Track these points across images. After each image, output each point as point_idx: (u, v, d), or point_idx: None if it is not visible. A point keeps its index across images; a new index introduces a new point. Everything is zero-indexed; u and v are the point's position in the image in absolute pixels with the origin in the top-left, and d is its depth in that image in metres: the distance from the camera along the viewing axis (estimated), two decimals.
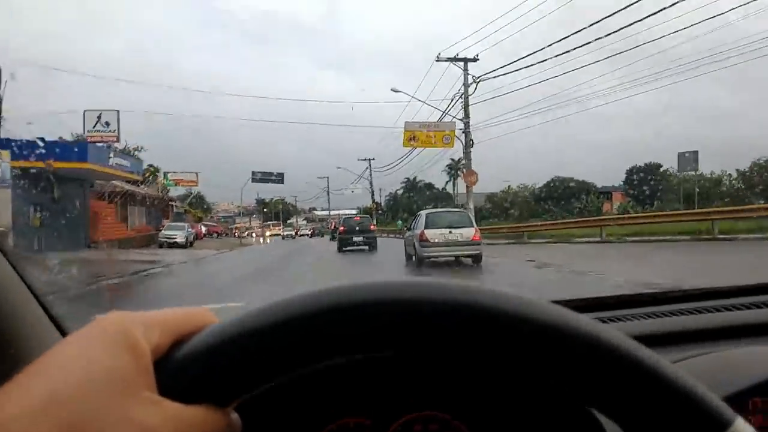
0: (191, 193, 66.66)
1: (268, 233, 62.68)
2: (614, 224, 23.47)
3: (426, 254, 13.97)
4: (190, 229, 31.73)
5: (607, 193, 49.04)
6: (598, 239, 22.03)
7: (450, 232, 13.97)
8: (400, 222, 50.69)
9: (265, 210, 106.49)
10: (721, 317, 0.95)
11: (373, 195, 56.96)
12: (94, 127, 26.75)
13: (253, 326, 0.35)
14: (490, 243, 21.08)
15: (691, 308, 0.99)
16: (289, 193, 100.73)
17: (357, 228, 22.84)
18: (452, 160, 73.30)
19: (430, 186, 78.62)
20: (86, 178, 23.06)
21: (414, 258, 14.72)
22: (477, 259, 13.88)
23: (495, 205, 54.69)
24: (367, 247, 21.82)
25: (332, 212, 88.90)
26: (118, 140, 28.12)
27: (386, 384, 0.59)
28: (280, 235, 63.34)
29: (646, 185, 43.76)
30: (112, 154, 25.32)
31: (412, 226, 15.99)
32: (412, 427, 0.60)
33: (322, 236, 54.12)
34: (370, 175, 55.87)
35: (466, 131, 26.19)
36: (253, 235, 42.30)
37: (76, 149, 22.36)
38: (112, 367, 0.32)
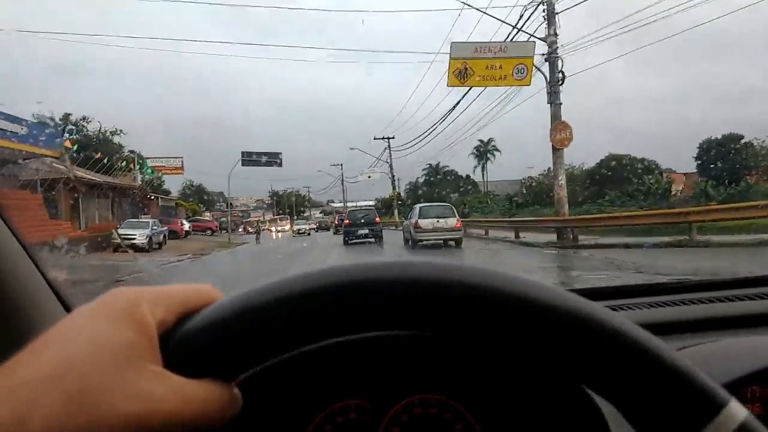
0: (195, 185, 59.44)
1: (274, 229, 56.13)
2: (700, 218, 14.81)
3: (419, 238, 18.08)
4: (157, 227, 24.73)
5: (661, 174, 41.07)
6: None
7: (438, 221, 18.11)
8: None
9: (278, 203, 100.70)
10: (727, 307, 0.97)
11: (394, 180, 49.47)
12: None
13: (257, 302, 0.36)
14: (598, 245, 15.49)
15: (699, 298, 1.01)
16: (303, 184, 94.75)
17: (362, 220, 23.08)
18: (480, 141, 66.19)
19: (452, 173, 71.20)
20: None
21: (410, 242, 18.90)
22: (458, 242, 17.97)
23: (533, 192, 46.93)
24: (373, 239, 21.94)
25: (348, 204, 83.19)
26: None
27: (387, 366, 0.59)
28: (286, 231, 55.67)
29: (724, 161, 35.66)
30: None
31: (408, 216, 20.50)
32: (412, 409, 0.61)
33: (328, 230, 48.60)
34: (390, 157, 48.21)
35: (551, 57, 16.50)
36: (256, 231, 34.96)
37: None
38: (119, 340, 0.33)
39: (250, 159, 36.30)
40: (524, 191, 48.35)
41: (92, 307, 0.35)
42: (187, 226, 33.61)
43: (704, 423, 0.34)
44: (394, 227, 40.85)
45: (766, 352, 0.72)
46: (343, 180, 69.02)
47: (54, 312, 0.72)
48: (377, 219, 23.89)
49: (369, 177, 54.13)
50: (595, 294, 1.09)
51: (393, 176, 49.36)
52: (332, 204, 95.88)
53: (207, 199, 61.77)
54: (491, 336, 0.36)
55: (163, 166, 37.82)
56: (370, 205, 38.09)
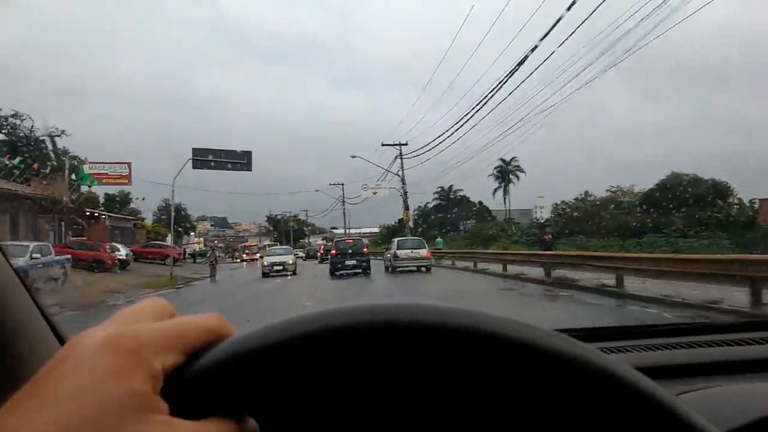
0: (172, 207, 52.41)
1: (245, 257, 47.72)
2: None
3: (398, 265, 22.34)
4: (47, 255, 16.58)
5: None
6: None
7: (412, 251, 22.68)
8: (440, 241, 34.87)
9: (275, 228, 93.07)
10: (725, 352, 0.96)
11: (405, 196, 40.38)
12: None
13: (272, 340, 0.35)
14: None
15: (694, 342, 1.00)
16: (304, 207, 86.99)
17: (350, 251, 22.48)
18: (502, 161, 58.43)
19: (465, 200, 63.40)
20: None
21: (390, 269, 23.02)
22: (428, 269, 22.36)
23: (568, 218, 38.86)
24: (360, 271, 21.52)
25: (351, 231, 75.71)
26: None
27: (403, 407, 0.54)
28: (254, 261, 42.36)
29: None
30: None
31: (388, 249, 25.12)
32: None
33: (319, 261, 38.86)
34: (402, 168, 39.84)
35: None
36: (210, 263, 25.18)
37: None
38: (124, 389, 0.31)
39: (204, 160, 26.17)
40: (559, 217, 40.26)
41: (96, 348, 0.32)
42: (123, 253, 25.50)
43: None
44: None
45: (765, 398, 0.71)
46: (344, 201, 61.03)
47: (48, 343, 0.73)
48: (365, 249, 23.38)
49: (374, 193, 44.27)
50: (582, 336, 1.03)
51: (405, 192, 40.61)
52: (335, 230, 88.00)
53: (183, 222, 53.58)
54: (471, 377, 0.36)
55: (105, 174, 28.95)
56: (373, 234, 39.96)
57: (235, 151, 28.06)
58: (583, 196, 41.43)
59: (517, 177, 59.30)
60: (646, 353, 0.96)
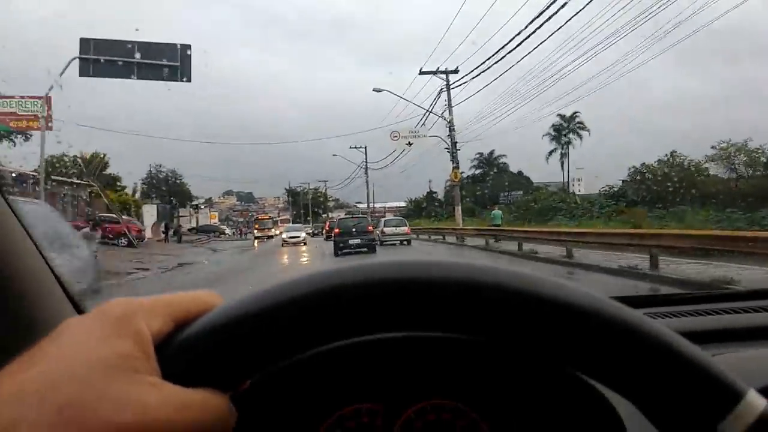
0: (163, 172, 44.82)
1: (258, 234, 40.08)
2: None
3: (385, 240, 25.12)
4: None
5: None
6: None
7: (396, 228, 26.61)
8: (498, 214, 26.38)
9: (294, 203, 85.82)
10: (750, 318, 0.99)
11: (454, 150, 28.87)
12: None
13: (257, 307, 0.35)
14: None
15: (731, 308, 1.03)
16: (323, 178, 79.29)
17: (354, 229, 22.15)
18: (561, 117, 49.04)
19: (505, 167, 54.60)
20: None
21: (379, 242, 24.26)
22: (408, 242, 25.42)
23: (654, 183, 29.89)
24: (366, 250, 20.90)
25: (376, 205, 67.95)
26: None
27: (401, 369, 0.57)
28: (268, 236, 39.39)
29: None
30: None
31: (377, 226, 26.41)
32: (425, 415, 0.59)
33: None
34: (449, 103, 28.90)
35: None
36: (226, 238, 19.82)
37: None
38: (111, 351, 0.32)
39: (95, 62, 15.12)
40: (638, 185, 31.20)
41: (87, 317, 0.34)
42: None
43: (723, 415, 0.33)
44: (449, 238, 26.65)
45: None
46: (366, 168, 52.50)
47: (67, 314, 0.72)
48: (370, 228, 22.90)
49: (409, 144, 30.46)
50: (632, 302, 1.03)
51: (453, 141, 28.35)
52: (359, 205, 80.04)
53: (178, 191, 45.62)
54: (519, 338, 0.36)
55: (13, 114, 18.36)
56: (363, 214, 34.72)
57: (158, 45, 16.12)
58: (669, 157, 32.18)
59: (580, 137, 49.75)
60: (672, 320, 0.98)
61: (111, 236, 22.26)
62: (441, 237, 27.78)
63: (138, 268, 16.15)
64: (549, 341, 0.35)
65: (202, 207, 66.64)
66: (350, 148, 51.01)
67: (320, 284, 0.35)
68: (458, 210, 29.33)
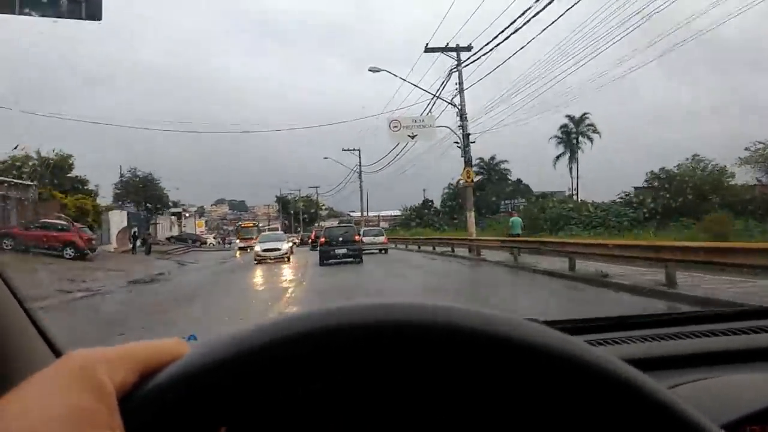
0: (140, 176, 41.88)
1: (241, 245, 35.75)
2: None
3: (363, 248, 23.14)
4: None
5: None
6: None
7: (374, 237, 28.92)
8: (517, 221, 21.97)
9: (284, 209, 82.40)
10: (717, 342, 0.97)
11: (466, 142, 22.76)
12: None
13: (226, 354, 0.34)
14: None
15: (686, 332, 1.00)
16: (318, 183, 76.02)
17: (340, 238, 21.24)
18: (569, 118, 45.97)
19: (505, 175, 51.59)
20: None
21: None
22: (386, 251, 27.53)
23: (676, 191, 27.01)
24: (352, 259, 20.42)
25: (370, 214, 64.79)
26: None
27: (379, 404, 0.55)
28: (252, 247, 31.54)
29: None
30: None
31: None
32: None
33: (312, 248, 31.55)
34: (460, 83, 22.85)
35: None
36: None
37: None
38: (73, 407, 0.31)
39: None
40: (662, 191, 28.21)
41: (49, 371, 0.33)
42: None
43: None
44: (461, 250, 22.83)
45: (764, 390, 0.71)
46: (360, 172, 49.43)
47: (43, 356, 0.73)
48: (357, 237, 22.23)
49: (411, 136, 24.78)
50: (570, 328, 1.03)
51: (465, 133, 23.00)
52: (352, 214, 76.82)
53: (154, 197, 41.77)
54: (466, 376, 0.35)
55: None
56: (350, 223, 32.53)
57: None
58: (691, 161, 29.17)
59: (590, 140, 46.41)
60: (639, 344, 0.95)
61: (57, 245, 18.85)
62: (449, 249, 24.15)
63: (62, 290, 12.71)
64: (487, 379, 0.35)
65: (187, 215, 62.95)
66: (343, 150, 48.00)
67: (287, 330, 0.34)
68: (471, 216, 23.49)
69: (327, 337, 0.34)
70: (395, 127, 24.23)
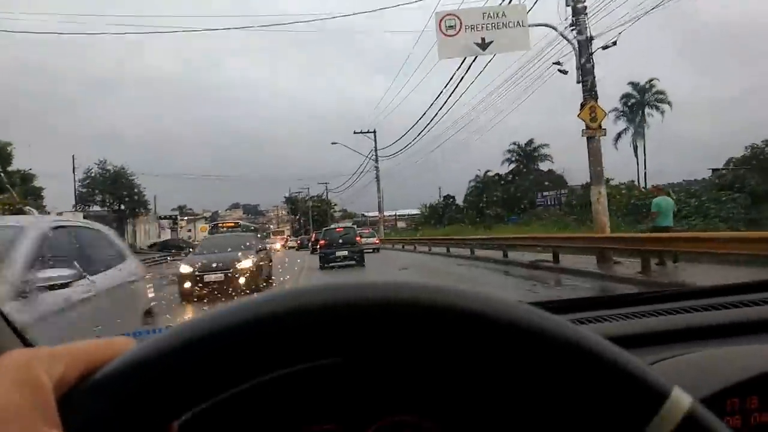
0: (112, 170, 35.25)
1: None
2: None
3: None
4: None
5: None
6: None
7: (368, 238, 29.04)
8: (667, 202, 11.59)
9: (293, 210, 76.31)
10: (699, 317, 0.98)
11: (586, 53, 11.11)
12: None
13: (168, 346, 0.33)
14: None
15: (668, 309, 1.02)
16: (330, 180, 69.64)
17: (340, 241, 20.32)
18: (632, 85, 36.28)
19: (538, 158, 44.36)
20: None
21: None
22: (377, 250, 29.68)
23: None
24: (353, 262, 19.79)
25: (387, 214, 58.19)
26: None
27: (358, 387, 0.57)
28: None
29: None
30: None
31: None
32: (387, 431, 0.59)
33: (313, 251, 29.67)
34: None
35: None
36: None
37: None
38: (7, 404, 0.30)
39: None
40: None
41: None
42: None
43: (650, 416, 0.33)
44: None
45: (743, 363, 0.73)
46: (377, 156, 42.18)
47: (11, 347, 0.75)
48: (358, 238, 21.25)
49: (483, 44, 12.70)
50: (555, 307, 1.06)
51: (588, 34, 11.98)
52: (367, 215, 70.12)
53: (128, 197, 34.78)
54: (447, 353, 0.35)
55: None
56: (353, 225, 28.66)
57: None
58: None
59: (661, 112, 38.15)
60: (621, 322, 0.96)
61: None
62: (553, 258, 13.70)
63: None
64: (469, 354, 0.34)
65: (181, 219, 56.55)
66: (354, 133, 41.18)
67: (239, 316, 0.33)
68: (602, 197, 12.96)
69: (300, 319, 0.33)
70: (451, 27, 12.77)
